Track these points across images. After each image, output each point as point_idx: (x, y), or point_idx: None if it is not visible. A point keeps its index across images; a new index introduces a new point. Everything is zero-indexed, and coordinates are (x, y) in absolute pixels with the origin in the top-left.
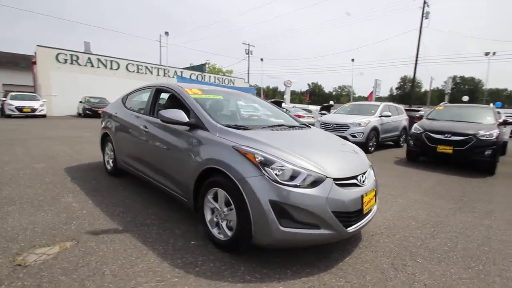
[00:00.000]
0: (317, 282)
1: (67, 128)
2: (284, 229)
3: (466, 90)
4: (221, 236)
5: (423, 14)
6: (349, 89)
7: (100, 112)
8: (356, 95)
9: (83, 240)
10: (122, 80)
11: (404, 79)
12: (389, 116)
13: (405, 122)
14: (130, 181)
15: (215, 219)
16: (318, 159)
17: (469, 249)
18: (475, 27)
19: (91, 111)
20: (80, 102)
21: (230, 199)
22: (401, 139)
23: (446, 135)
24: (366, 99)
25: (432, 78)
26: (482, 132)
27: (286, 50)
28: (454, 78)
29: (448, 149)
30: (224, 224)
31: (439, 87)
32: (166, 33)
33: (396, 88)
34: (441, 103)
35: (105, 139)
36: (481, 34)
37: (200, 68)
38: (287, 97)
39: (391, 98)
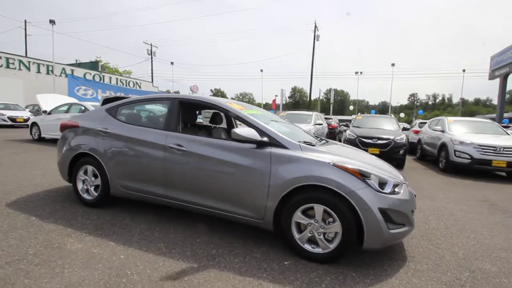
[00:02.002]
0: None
1: None
2: (391, 231)
3: (338, 101)
4: (318, 250)
5: (315, 36)
6: (250, 96)
7: (61, 125)
8: (256, 102)
9: None
10: None
11: (294, 90)
12: (321, 124)
13: (326, 129)
14: (128, 210)
15: (309, 234)
16: (382, 168)
17: None
18: (350, 50)
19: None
20: None
21: (332, 213)
22: None
23: (374, 139)
24: (268, 106)
25: (320, 90)
26: (397, 137)
27: (189, 55)
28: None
29: (376, 151)
30: (322, 237)
31: (320, 96)
32: (52, 21)
33: (289, 97)
34: (359, 114)
35: (77, 161)
36: (353, 56)
37: (94, 66)
38: None
39: (287, 105)
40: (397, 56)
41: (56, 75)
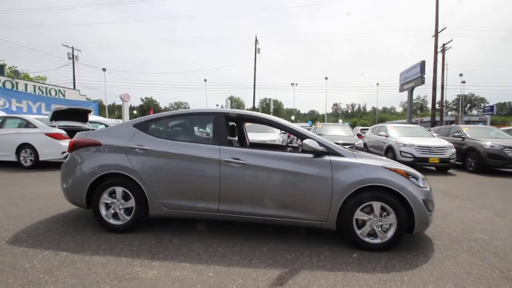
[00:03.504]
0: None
1: None
2: (430, 217)
3: (273, 110)
4: (377, 241)
5: (256, 49)
6: (185, 105)
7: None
8: None
9: None
10: None
11: (231, 99)
12: (284, 133)
13: (286, 137)
14: (162, 231)
15: (369, 228)
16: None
17: None
18: (288, 63)
19: None
20: None
21: (388, 207)
22: None
23: (339, 145)
24: None
25: (261, 99)
26: (356, 142)
27: (116, 61)
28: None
29: None
30: (379, 229)
31: (255, 106)
32: None
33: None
34: (318, 122)
35: (99, 184)
36: (289, 69)
37: None
38: (125, 113)
39: None
40: (323, 70)
41: None
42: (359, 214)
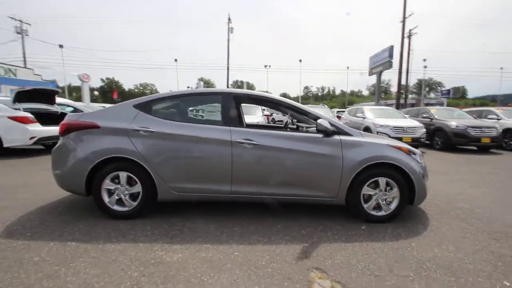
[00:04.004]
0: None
1: None
2: (427, 190)
3: None
4: (382, 213)
5: (228, 28)
6: (152, 87)
7: (68, 125)
8: None
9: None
10: None
11: (201, 80)
12: (265, 115)
13: (266, 119)
14: (171, 215)
15: (374, 202)
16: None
17: None
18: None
19: None
20: None
21: (392, 182)
22: None
23: None
24: None
25: (233, 81)
26: None
27: (71, 37)
28: (240, 82)
29: None
30: (384, 202)
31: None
32: None
33: (195, 88)
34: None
35: (100, 169)
36: (264, 50)
37: None
38: (85, 94)
39: None
40: (296, 53)
41: None
42: (366, 190)
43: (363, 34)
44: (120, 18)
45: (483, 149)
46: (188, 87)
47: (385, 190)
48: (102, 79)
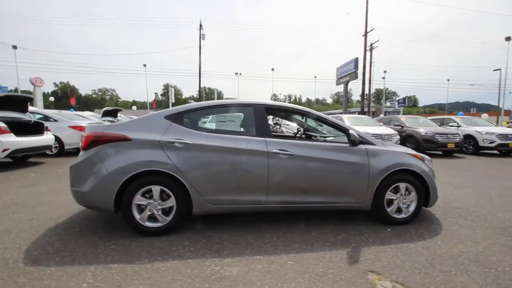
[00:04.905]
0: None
1: None
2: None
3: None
4: (402, 216)
5: (200, 35)
6: (113, 93)
7: (92, 139)
8: (121, 100)
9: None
10: None
11: (167, 86)
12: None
13: None
14: (202, 228)
15: (396, 206)
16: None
17: None
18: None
19: None
20: None
21: (411, 187)
22: None
23: None
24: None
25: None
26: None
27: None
28: (208, 89)
29: None
30: (404, 206)
31: (194, 95)
32: None
33: (161, 95)
34: None
35: (134, 183)
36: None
37: None
38: (38, 100)
39: (159, 103)
40: (266, 62)
41: None
42: (388, 194)
43: (331, 45)
44: (74, 18)
45: (448, 154)
46: (155, 93)
47: (405, 195)
48: (55, 83)
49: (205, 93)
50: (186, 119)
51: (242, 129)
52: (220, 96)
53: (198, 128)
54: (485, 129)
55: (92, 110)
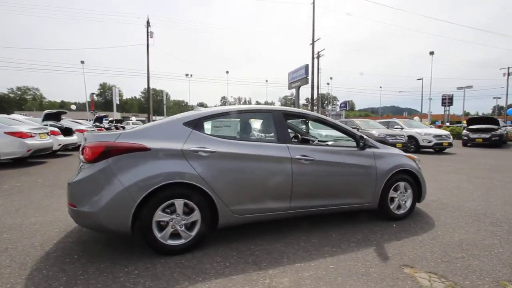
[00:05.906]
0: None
1: None
2: None
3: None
4: (402, 211)
5: (148, 33)
6: (36, 92)
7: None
8: (46, 100)
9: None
10: None
11: (103, 86)
12: None
13: None
14: (226, 240)
15: (397, 203)
16: None
17: None
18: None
19: None
20: None
21: (408, 185)
22: None
23: None
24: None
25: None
26: None
27: None
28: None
29: None
30: (403, 202)
31: (136, 96)
32: None
33: (97, 95)
34: None
35: (154, 198)
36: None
37: None
38: None
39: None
40: (217, 63)
41: None
42: (391, 193)
43: (282, 50)
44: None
45: None
46: (92, 93)
47: (404, 192)
48: None
49: (152, 95)
50: (206, 126)
51: (263, 135)
52: (167, 98)
53: (219, 135)
54: (423, 130)
55: (9, 113)
